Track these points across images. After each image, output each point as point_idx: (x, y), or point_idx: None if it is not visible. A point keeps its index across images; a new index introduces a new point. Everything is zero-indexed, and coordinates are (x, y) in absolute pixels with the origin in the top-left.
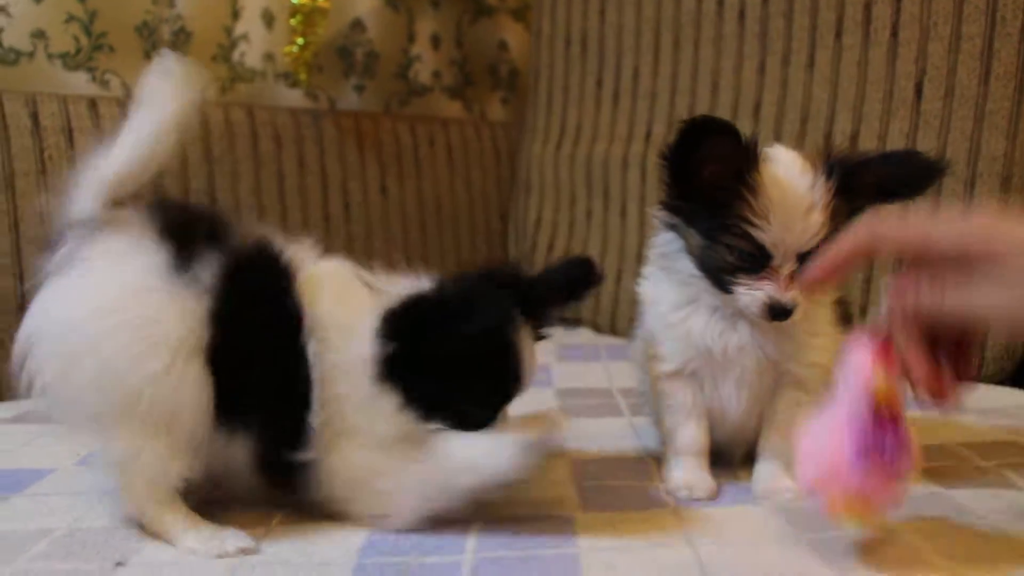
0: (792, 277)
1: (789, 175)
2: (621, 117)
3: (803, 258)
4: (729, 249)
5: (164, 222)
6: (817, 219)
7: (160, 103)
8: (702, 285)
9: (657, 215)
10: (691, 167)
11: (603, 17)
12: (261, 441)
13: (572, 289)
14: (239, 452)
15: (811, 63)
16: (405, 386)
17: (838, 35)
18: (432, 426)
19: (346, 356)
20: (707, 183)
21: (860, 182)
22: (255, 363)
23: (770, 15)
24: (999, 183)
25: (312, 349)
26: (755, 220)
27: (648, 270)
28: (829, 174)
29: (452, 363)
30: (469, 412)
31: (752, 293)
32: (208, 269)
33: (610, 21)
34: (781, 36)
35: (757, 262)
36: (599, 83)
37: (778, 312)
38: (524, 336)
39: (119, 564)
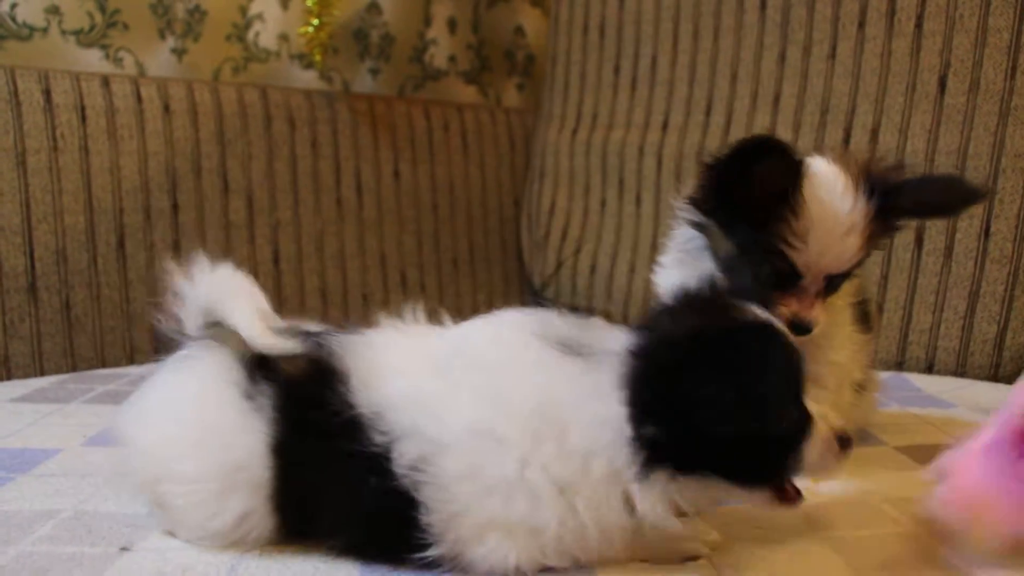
0: (817, 296)
1: (831, 195)
2: (638, 105)
3: (831, 279)
4: (759, 266)
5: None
6: (854, 243)
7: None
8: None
9: (683, 210)
10: (738, 184)
11: (622, 4)
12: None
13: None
14: None
15: (832, 54)
16: (686, 461)
17: (861, 25)
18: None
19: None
20: (749, 199)
21: (898, 204)
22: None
23: (792, 4)
24: (1023, 180)
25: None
26: (793, 241)
27: (665, 260)
28: (869, 195)
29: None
30: (784, 428)
31: (775, 309)
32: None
33: (629, 8)
34: (803, 26)
35: (787, 281)
36: (616, 70)
37: (799, 329)
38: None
39: (124, 549)
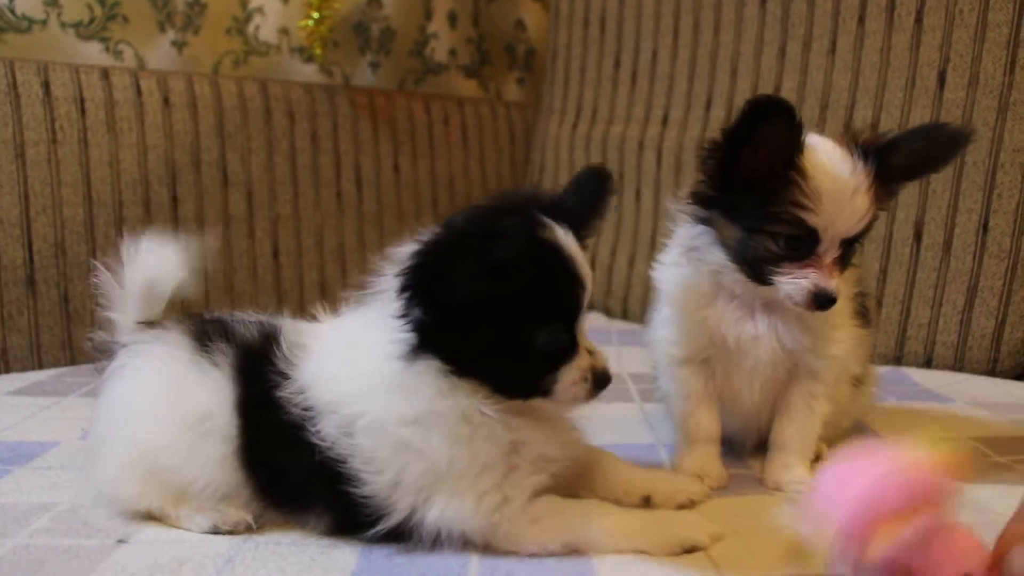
0: (834, 264)
1: (832, 160)
2: (638, 99)
3: (844, 245)
4: (774, 238)
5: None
6: (863, 202)
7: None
8: (733, 277)
9: (685, 209)
10: (744, 151)
11: None
12: (325, 518)
13: (591, 200)
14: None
15: (832, 48)
16: (453, 352)
17: (861, 20)
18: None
19: (370, 399)
20: (757, 169)
21: (892, 164)
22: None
23: None
24: (1021, 174)
25: (327, 432)
26: (807, 204)
27: (667, 257)
28: (865, 159)
29: (499, 294)
30: (542, 342)
31: (796, 282)
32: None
33: (629, 2)
34: (803, 20)
35: (803, 249)
36: (617, 64)
37: (823, 301)
38: (564, 236)
39: (120, 541)
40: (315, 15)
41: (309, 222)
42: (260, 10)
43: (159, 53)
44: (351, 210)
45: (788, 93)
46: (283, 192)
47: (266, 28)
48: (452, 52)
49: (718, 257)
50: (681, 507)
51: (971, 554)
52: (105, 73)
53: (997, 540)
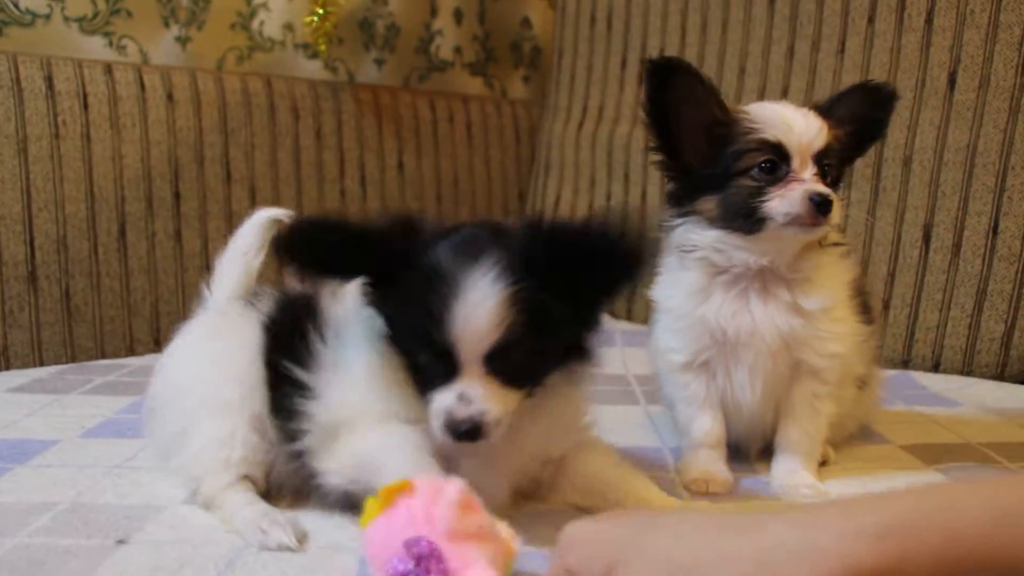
0: (817, 177)
1: (775, 105)
2: None
3: (820, 161)
4: (747, 172)
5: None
6: (814, 119)
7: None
8: (733, 244)
9: (667, 214)
10: (672, 118)
11: None
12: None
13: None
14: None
15: (842, 48)
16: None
17: (871, 20)
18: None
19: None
20: (695, 126)
21: (838, 115)
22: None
23: None
24: None
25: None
26: (758, 126)
27: (663, 267)
28: (812, 110)
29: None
30: (419, 360)
31: (787, 194)
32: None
33: (636, 0)
34: (812, 20)
35: (778, 167)
36: (623, 63)
37: (820, 202)
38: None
39: (120, 542)
40: (320, 11)
41: None
42: (265, 6)
43: (163, 48)
44: (355, 208)
45: (796, 93)
46: (286, 189)
47: (271, 24)
48: (457, 49)
49: (710, 236)
50: None
51: None
52: (108, 68)
53: None
